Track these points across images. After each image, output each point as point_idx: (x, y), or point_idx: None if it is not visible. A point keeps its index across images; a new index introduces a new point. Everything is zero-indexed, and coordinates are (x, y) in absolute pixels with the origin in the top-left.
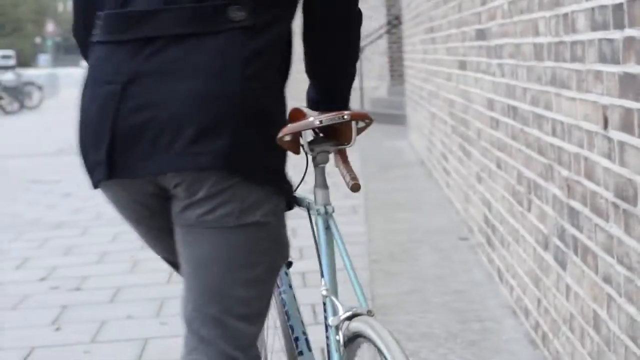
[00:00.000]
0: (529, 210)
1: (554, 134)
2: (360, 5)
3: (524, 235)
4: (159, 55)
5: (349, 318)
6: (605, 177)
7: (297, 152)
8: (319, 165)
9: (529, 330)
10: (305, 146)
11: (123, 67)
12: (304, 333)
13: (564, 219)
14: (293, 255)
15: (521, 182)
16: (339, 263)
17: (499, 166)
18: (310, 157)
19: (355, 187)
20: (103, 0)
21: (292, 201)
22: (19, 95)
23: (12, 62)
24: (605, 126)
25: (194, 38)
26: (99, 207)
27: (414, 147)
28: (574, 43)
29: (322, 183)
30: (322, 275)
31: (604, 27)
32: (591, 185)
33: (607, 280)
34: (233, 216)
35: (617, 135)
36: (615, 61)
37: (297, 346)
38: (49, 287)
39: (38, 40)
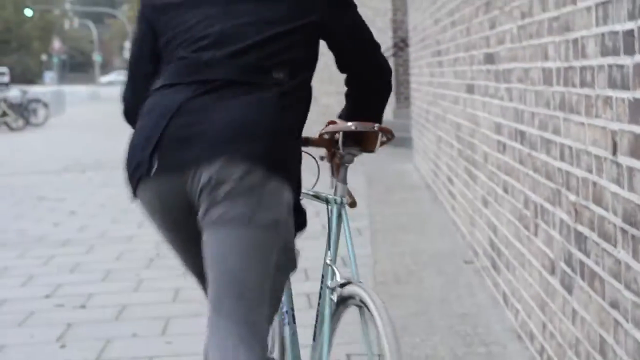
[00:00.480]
0: (535, 234)
1: (562, 158)
2: None
3: (530, 260)
4: (212, 92)
5: (343, 285)
6: (614, 202)
7: (329, 149)
8: (344, 164)
9: (534, 355)
10: (340, 142)
11: (179, 97)
12: (292, 309)
13: (571, 244)
14: (299, 276)
15: (528, 207)
16: None
17: (505, 190)
18: (318, 162)
19: (353, 204)
20: (169, 54)
21: (305, 223)
22: (24, 112)
23: (6, 79)
24: (615, 151)
25: (242, 84)
26: (103, 225)
27: (420, 170)
28: (583, 68)
29: (343, 179)
30: (329, 248)
31: (614, 52)
32: (599, 210)
33: (614, 305)
34: (246, 216)
35: (626, 160)
36: (625, 87)
37: (284, 317)
38: (54, 304)
39: (44, 57)
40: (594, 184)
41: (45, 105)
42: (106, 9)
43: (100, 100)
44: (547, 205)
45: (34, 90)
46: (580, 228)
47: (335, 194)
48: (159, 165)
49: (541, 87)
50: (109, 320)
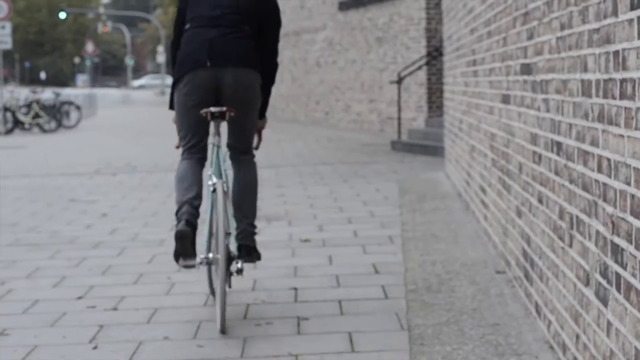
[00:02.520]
0: (570, 245)
1: (599, 170)
2: (401, 36)
3: (564, 271)
4: (223, 32)
5: (214, 183)
6: None
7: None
8: (217, 126)
9: None
10: (209, 116)
11: (210, 33)
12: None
13: (607, 256)
14: (330, 282)
15: (563, 218)
16: None
17: (540, 201)
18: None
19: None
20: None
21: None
22: (56, 114)
23: None
24: None
25: (234, 30)
26: (135, 228)
27: (451, 178)
28: (624, 80)
29: (215, 134)
30: (211, 166)
31: None
32: (637, 223)
33: None
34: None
35: None
36: None
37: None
38: (87, 306)
39: (77, 60)
40: (632, 196)
41: (78, 107)
42: (140, 13)
43: (132, 104)
44: (583, 217)
45: (67, 92)
46: (617, 240)
47: (212, 141)
48: (211, 63)
49: (580, 99)
50: (141, 322)
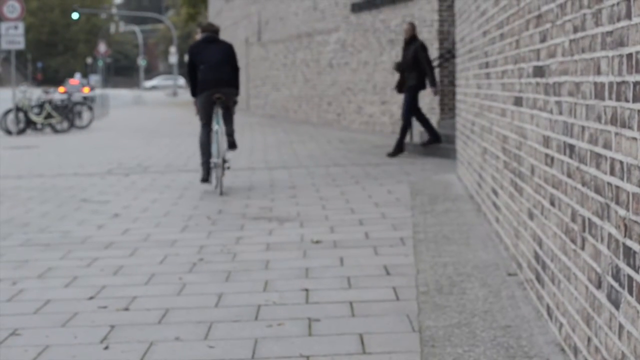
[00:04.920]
0: (582, 248)
1: (612, 173)
2: None
3: (575, 273)
4: (220, 69)
5: (216, 129)
6: None
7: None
8: (218, 106)
9: None
10: (215, 98)
11: (214, 74)
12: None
13: (619, 258)
14: (341, 284)
15: (575, 220)
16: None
17: (552, 203)
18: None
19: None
20: (203, 60)
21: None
22: (69, 114)
23: None
24: None
25: (225, 66)
26: (147, 229)
27: (463, 181)
28: (637, 83)
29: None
30: (215, 120)
31: None
32: None
33: None
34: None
35: None
36: None
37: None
38: (98, 306)
39: (89, 60)
40: None
41: (90, 108)
42: (152, 14)
43: (144, 105)
44: (595, 219)
45: (79, 92)
46: (629, 243)
47: (215, 111)
48: (213, 86)
49: (592, 101)
50: (152, 323)
